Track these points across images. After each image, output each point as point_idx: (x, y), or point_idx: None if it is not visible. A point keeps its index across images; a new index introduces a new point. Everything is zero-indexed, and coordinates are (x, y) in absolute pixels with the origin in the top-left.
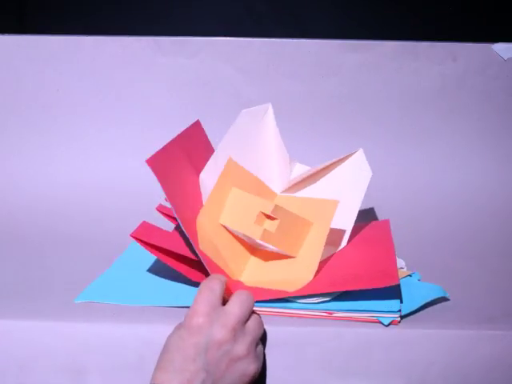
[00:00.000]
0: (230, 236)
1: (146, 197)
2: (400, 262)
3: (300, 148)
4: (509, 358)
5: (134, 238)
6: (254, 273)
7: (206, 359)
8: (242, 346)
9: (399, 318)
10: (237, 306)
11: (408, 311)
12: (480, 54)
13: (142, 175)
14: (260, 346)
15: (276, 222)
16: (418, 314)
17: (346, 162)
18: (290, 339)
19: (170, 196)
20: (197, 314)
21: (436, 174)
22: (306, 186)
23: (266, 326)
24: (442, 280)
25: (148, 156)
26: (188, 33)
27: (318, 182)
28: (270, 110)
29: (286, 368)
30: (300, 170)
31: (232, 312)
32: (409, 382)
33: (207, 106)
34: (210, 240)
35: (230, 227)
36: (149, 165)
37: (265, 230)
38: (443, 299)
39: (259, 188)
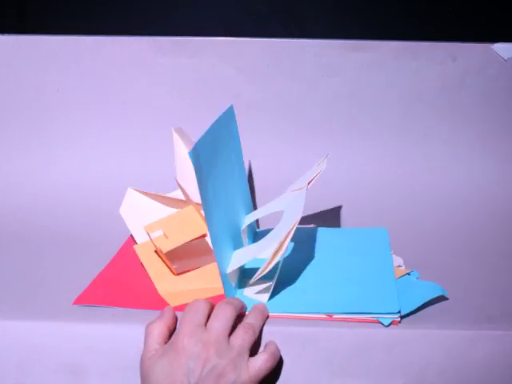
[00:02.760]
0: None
1: None
2: (398, 260)
3: (300, 148)
4: (508, 358)
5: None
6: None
7: (194, 379)
8: (225, 361)
9: (399, 318)
10: (216, 320)
11: (408, 311)
12: (480, 54)
13: (142, 175)
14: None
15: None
16: (417, 314)
17: None
18: (290, 339)
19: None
20: (181, 335)
21: (436, 174)
22: None
23: (265, 326)
24: (441, 279)
25: (147, 157)
26: (188, 33)
27: None
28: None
29: (285, 368)
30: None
31: (211, 328)
32: (408, 382)
33: (207, 106)
34: (180, 292)
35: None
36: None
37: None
38: (442, 298)
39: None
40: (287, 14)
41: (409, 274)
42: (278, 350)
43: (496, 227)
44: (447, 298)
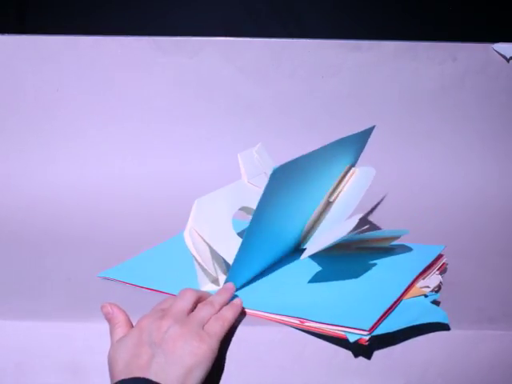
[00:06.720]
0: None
1: (146, 196)
2: (432, 281)
3: (299, 148)
4: (509, 358)
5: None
6: None
7: (155, 345)
8: (184, 327)
9: (368, 337)
10: (175, 301)
11: (388, 330)
12: (480, 54)
13: (142, 175)
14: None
15: None
16: None
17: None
18: (290, 339)
19: None
20: (142, 318)
21: (436, 174)
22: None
23: (265, 327)
24: (441, 280)
25: (146, 156)
26: (188, 33)
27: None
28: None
29: (285, 368)
30: None
31: (170, 307)
32: (408, 382)
33: (207, 106)
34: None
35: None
36: None
37: None
38: (446, 299)
39: None
40: (287, 14)
41: (426, 295)
42: (231, 311)
43: (497, 228)
44: (449, 328)
